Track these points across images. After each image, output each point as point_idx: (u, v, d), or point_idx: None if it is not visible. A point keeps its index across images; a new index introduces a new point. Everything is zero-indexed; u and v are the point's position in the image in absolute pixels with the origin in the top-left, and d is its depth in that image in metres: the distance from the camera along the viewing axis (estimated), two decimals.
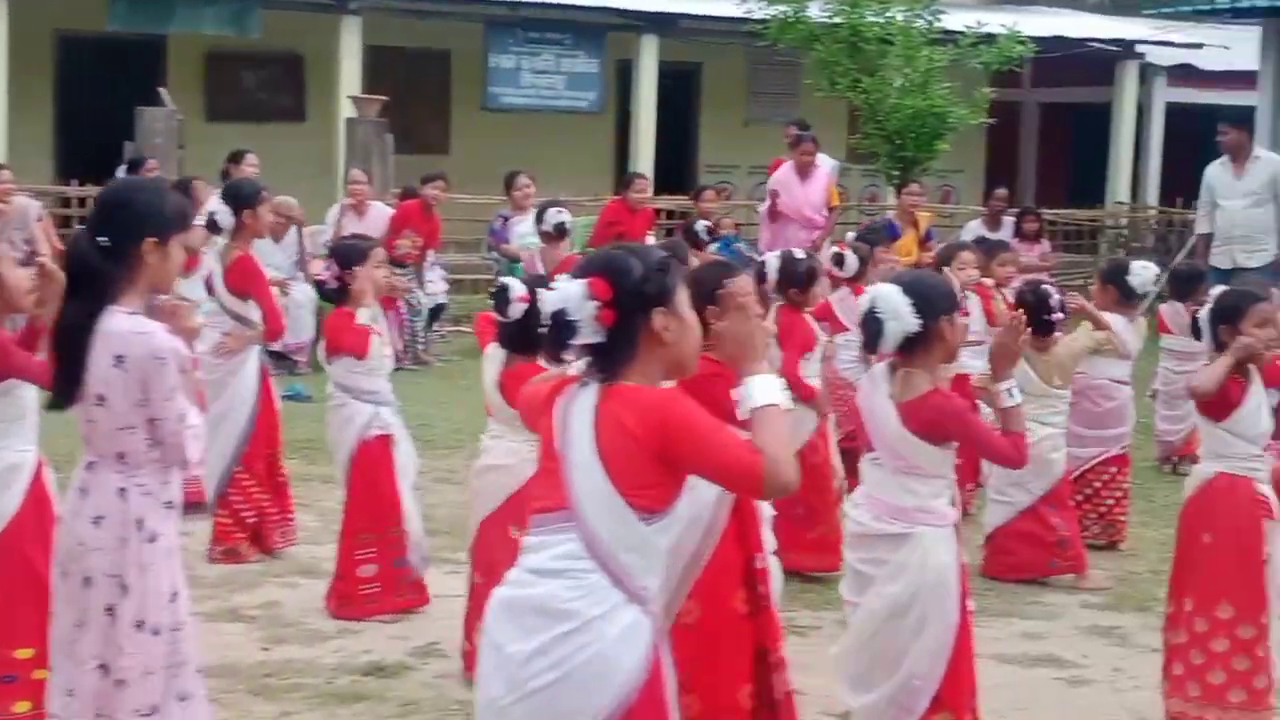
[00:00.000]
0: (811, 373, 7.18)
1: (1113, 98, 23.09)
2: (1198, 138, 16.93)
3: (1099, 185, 23.52)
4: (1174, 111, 23.63)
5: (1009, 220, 14.79)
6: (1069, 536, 7.41)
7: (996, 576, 7.35)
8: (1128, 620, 6.90)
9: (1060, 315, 7.51)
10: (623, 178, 15.56)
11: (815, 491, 6.83)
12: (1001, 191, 14.94)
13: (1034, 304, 7.40)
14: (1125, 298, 7.99)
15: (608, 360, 3.27)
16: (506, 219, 13.54)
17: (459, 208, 16.29)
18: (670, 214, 19.22)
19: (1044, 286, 7.70)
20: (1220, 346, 5.60)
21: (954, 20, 16.07)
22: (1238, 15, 17.26)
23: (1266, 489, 5.56)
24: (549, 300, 3.24)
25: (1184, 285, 9.71)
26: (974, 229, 14.85)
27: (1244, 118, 16.71)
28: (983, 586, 7.22)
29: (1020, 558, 7.37)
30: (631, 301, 3.25)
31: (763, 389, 3.29)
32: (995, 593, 7.20)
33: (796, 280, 7.18)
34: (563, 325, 3.22)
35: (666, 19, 19.46)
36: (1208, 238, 12.55)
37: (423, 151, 20.10)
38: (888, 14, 15.41)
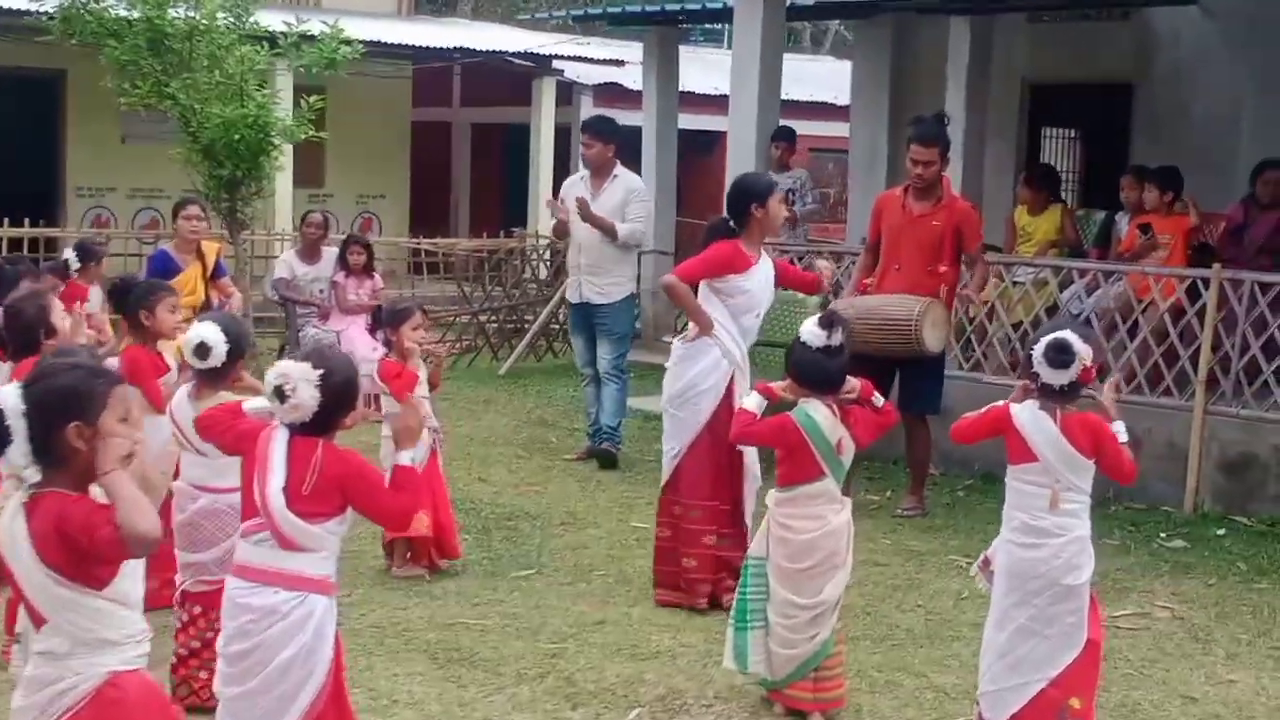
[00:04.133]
0: None
1: (530, 117, 21.43)
2: (631, 159, 15.25)
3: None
4: None
5: (330, 251, 12.55)
6: None
7: None
8: None
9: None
10: None
11: None
12: (315, 216, 12.70)
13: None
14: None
15: None
16: None
17: None
18: (35, 244, 16.42)
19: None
20: None
21: (272, 19, 13.73)
22: (616, 23, 15.66)
23: None
24: None
25: None
26: (288, 260, 12.59)
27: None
28: None
29: None
30: None
31: None
32: None
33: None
34: None
35: None
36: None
37: None
38: (198, 8, 12.89)
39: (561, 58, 21.29)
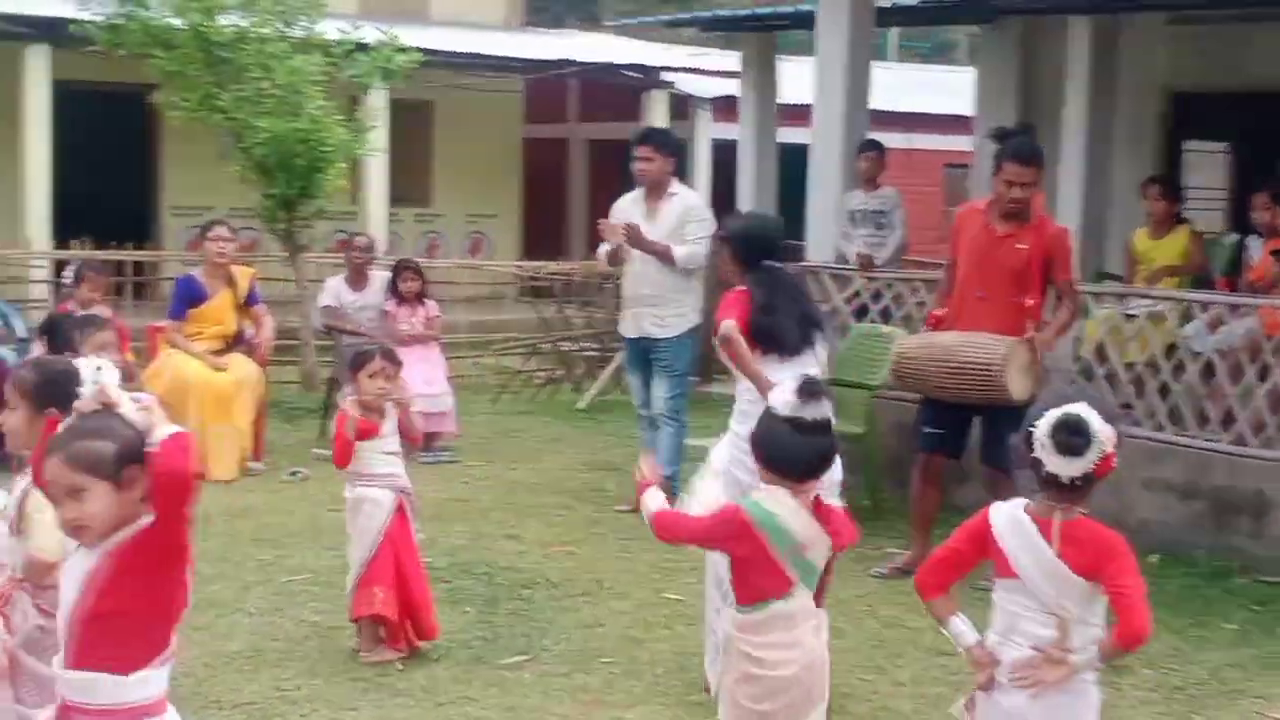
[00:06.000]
0: None
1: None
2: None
3: None
4: (725, 148, 21.05)
5: (379, 276, 11.58)
6: None
7: None
8: None
9: None
10: None
11: None
12: (361, 239, 11.71)
13: None
14: None
15: None
16: None
17: None
18: (136, 268, 15.73)
19: None
20: None
21: (330, 27, 12.83)
22: (709, 29, 14.52)
23: None
24: None
25: None
26: (334, 287, 11.62)
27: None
28: None
29: None
30: None
31: None
32: None
33: None
34: None
35: (61, 25, 15.73)
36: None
37: None
38: (250, 15, 12.04)
39: (673, 69, 20.20)
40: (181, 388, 10.07)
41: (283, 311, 14.18)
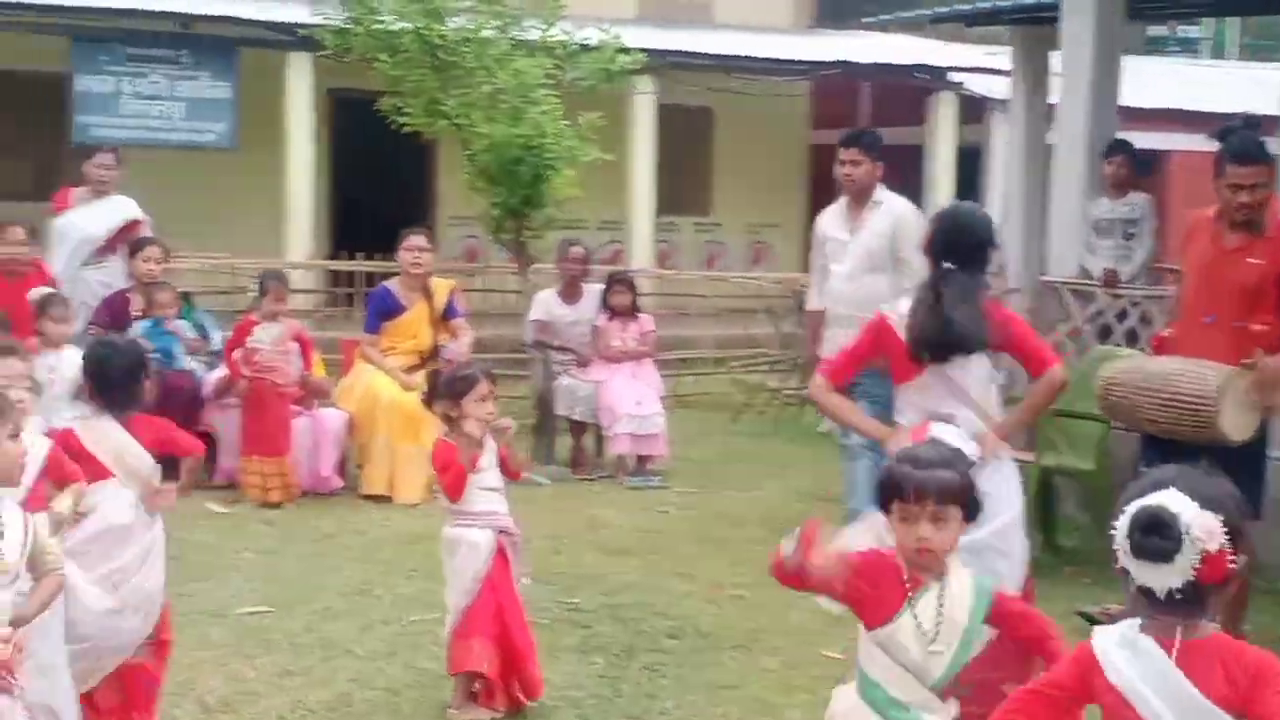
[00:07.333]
0: None
1: (924, 137, 19.27)
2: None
3: None
4: None
5: (593, 290, 10.99)
6: None
7: None
8: None
9: None
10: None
11: None
12: (576, 250, 11.10)
13: None
14: None
15: None
16: None
17: None
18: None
19: None
20: None
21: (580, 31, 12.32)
22: (972, 23, 13.45)
23: None
24: None
25: None
26: (545, 300, 11.09)
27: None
28: None
29: None
30: None
31: None
32: None
33: None
34: None
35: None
36: (818, 316, 8.85)
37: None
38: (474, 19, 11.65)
39: (961, 69, 19.07)
40: (371, 405, 9.72)
41: (512, 325, 13.80)
